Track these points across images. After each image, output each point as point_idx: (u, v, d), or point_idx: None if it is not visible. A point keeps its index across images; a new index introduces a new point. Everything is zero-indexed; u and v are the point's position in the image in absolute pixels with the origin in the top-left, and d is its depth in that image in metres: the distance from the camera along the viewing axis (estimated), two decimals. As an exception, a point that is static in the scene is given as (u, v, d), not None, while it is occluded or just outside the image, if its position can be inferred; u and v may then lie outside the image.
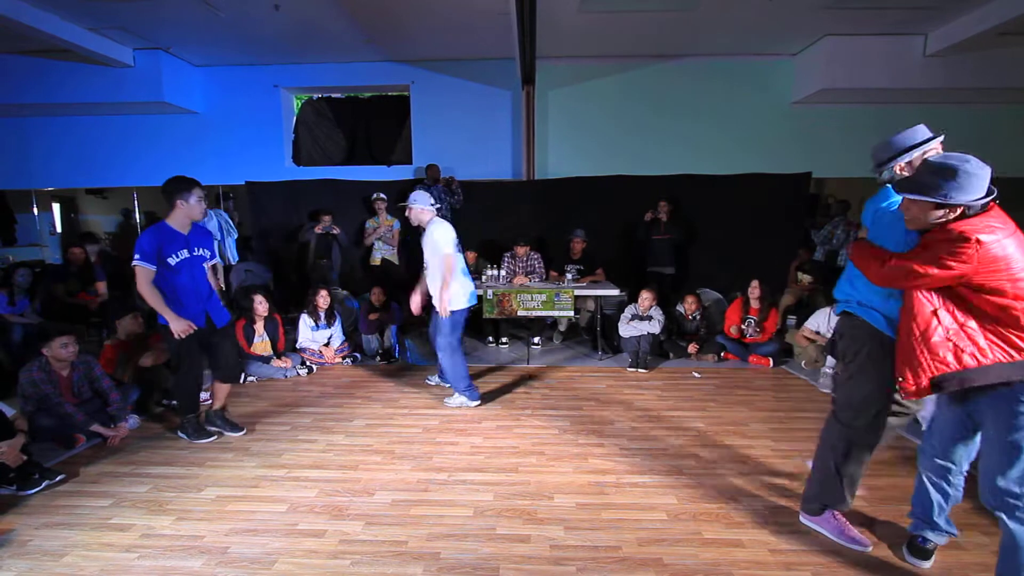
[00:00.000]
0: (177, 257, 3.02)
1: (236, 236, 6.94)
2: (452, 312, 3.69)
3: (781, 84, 6.76)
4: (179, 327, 2.99)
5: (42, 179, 7.42)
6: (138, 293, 3.43)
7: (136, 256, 2.92)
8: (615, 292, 5.18)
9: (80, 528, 2.38)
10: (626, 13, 5.46)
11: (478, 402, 3.87)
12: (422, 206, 3.76)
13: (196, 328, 3.08)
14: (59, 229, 8.68)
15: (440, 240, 3.66)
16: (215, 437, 3.33)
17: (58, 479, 2.77)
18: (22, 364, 3.30)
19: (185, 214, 3.05)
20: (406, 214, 3.83)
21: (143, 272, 2.94)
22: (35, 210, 8.18)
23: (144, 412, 3.76)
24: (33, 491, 2.66)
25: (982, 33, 5.27)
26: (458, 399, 3.87)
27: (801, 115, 6.79)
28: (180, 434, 3.32)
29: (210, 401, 3.49)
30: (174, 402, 3.81)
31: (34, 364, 3.19)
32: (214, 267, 3.35)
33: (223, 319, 3.27)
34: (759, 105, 6.81)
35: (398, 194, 6.65)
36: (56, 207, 8.69)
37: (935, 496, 2.07)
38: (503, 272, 5.41)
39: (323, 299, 5.00)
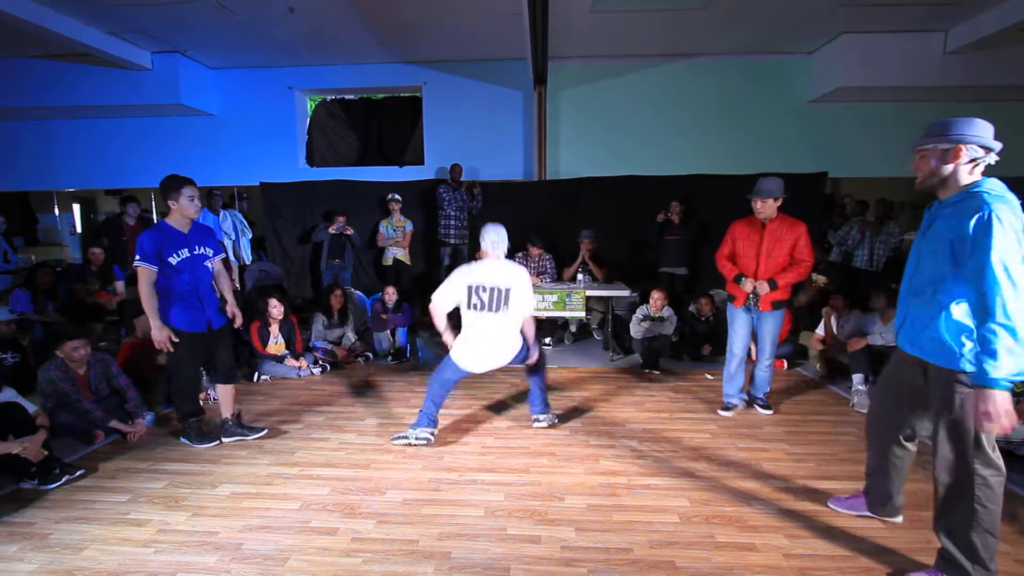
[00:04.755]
0: (178, 256, 2.99)
1: (251, 236, 7.04)
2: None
3: (797, 82, 6.68)
4: (160, 336, 2.96)
5: (63, 180, 7.56)
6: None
7: (137, 256, 2.91)
8: (626, 293, 5.15)
9: (98, 522, 2.42)
10: (639, 12, 5.42)
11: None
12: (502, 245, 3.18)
13: (197, 332, 3.08)
14: (79, 229, 8.87)
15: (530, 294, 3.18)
16: (217, 442, 3.24)
17: (77, 474, 2.83)
18: (43, 362, 3.37)
19: (179, 212, 3.01)
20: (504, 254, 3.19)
21: (144, 273, 2.92)
22: (56, 211, 8.36)
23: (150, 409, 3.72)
24: (54, 485, 2.72)
25: (1004, 30, 5.16)
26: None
27: (817, 114, 6.70)
28: (183, 439, 3.27)
29: (217, 406, 3.48)
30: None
31: (51, 363, 3.27)
32: (227, 263, 3.33)
33: (220, 321, 3.25)
34: (774, 104, 6.73)
35: (417, 194, 6.70)
36: (76, 208, 8.89)
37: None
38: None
39: (336, 299, 5.04)
